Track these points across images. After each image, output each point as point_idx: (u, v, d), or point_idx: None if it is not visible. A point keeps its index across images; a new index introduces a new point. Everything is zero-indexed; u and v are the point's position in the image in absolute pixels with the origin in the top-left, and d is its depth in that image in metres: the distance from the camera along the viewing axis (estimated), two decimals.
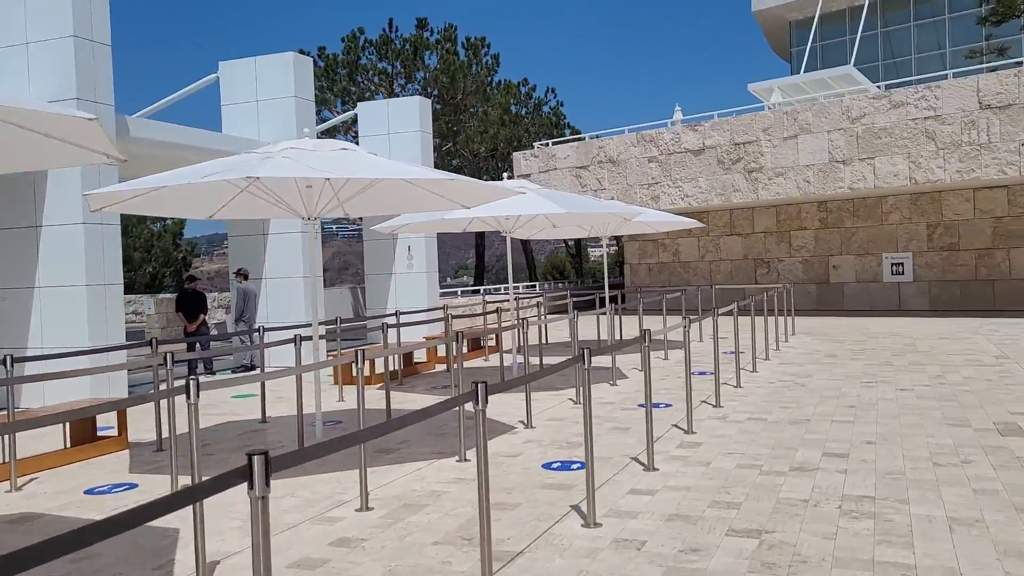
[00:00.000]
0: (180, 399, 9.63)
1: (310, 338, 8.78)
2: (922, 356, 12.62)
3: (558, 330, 21.11)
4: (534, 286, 36.51)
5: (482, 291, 29.96)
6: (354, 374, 9.07)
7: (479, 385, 4.00)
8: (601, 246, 54.78)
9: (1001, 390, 9.31)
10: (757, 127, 22.18)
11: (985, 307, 21.31)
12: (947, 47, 38.99)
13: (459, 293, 28.83)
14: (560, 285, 35.85)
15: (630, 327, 20.04)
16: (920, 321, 19.17)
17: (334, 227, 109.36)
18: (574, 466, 6.51)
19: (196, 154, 12.78)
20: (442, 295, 29.40)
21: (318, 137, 12.86)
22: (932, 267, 22.17)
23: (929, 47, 40.48)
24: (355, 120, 24.70)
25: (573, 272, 49.67)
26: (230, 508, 5.62)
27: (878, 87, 25.16)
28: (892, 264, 22.81)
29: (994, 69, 20.96)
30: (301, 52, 32.05)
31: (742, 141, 22.42)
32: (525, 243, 43.08)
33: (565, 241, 49.11)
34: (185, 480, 6.31)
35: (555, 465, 6.56)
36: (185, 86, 15.53)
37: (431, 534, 4.88)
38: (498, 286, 34.77)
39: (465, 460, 6.84)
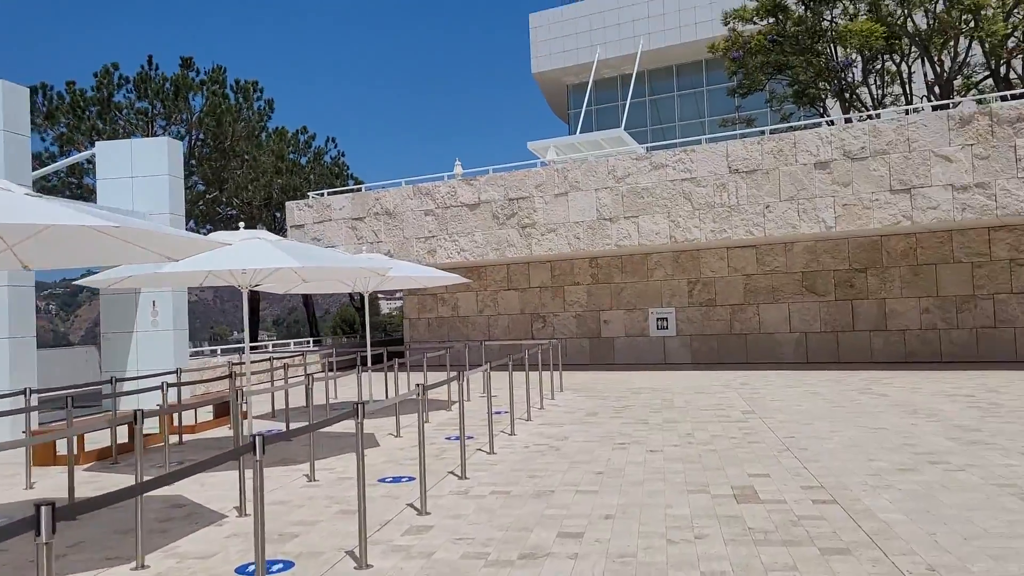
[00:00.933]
0: None
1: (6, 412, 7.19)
2: (677, 413, 12.73)
3: (317, 391, 19.85)
4: (313, 342, 34.88)
5: (246, 349, 27.99)
6: (65, 451, 7.55)
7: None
8: (398, 299, 52.90)
9: (744, 448, 9.35)
10: (530, 183, 22.38)
11: (739, 360, 22.51)
12: (706, 116, 42.22)
13: (219, 352, 26.70)
14: (347, 340, 34.51)
15: (400, 385, 19.20)
16: (682, 375, 19.82)
17: None
18: (275, 567, 5.51)
19: None
20: (195, 355, 27.13)
21: (42, 179, 11.15)
22: (693, 322, 23.20)
23: (691, 115, 43.67)
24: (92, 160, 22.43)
25: (361, 326, 48.25)
26: None
27: (644, 148, 26.39)
28: (657, 319, 23.67)
29: (743, 136, 22.51)
30: (43, 85, 29.12)
31: (516, 197, 22.53)
32: (307, 297, 41.27)
33: (350, 294, 47.72)
34: None
35: (251, 569, 5.53)
36: None
37: None
38: (287, 341, 32.79)
39: (143, 567, 5.64)
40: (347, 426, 12.68)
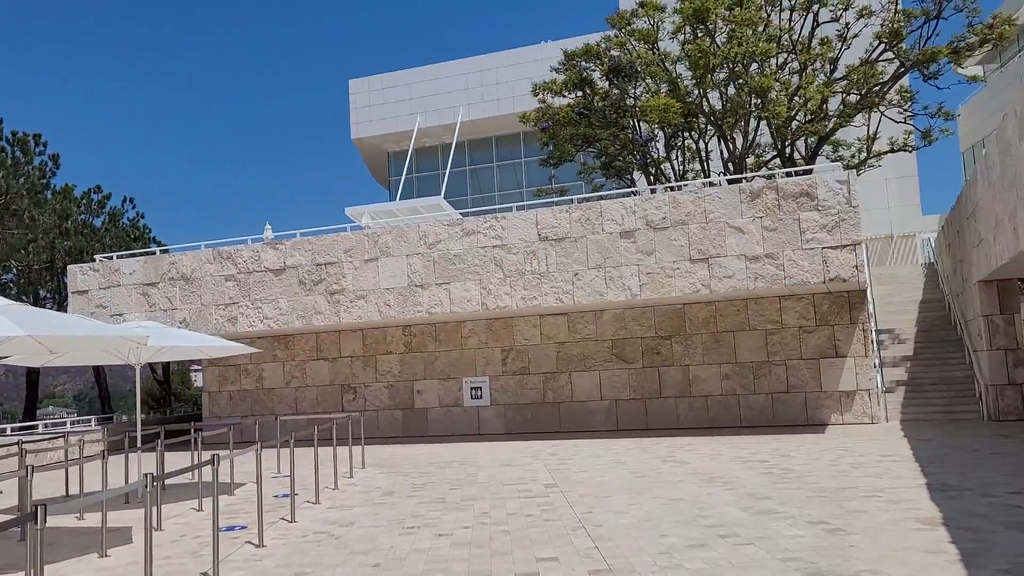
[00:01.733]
0: None
1: None
2: (478, 489, 12.05)
3: (91, 473, 17.67)
4: (109, 418, 31.95)
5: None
6: None
7: None
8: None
9: (538, 528, 8.77)
10: (339, 248, 21.48)
11: (553, 428, 22.29)
12: (523, 186, 43.04)
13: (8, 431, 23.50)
14: (148, 416, 31.77)
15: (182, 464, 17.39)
16: (494, 446, 19.26)
17: None
18: None
19: None
20: None
21: None
22: (507, 391, 22.83)
23: (510, 185, 44.42)
24: None
25: (165, 399, 44.68)
26: None
27: (461, 216, 26.19)
28: (471, 388, 23.12)
29: (554, 204, 22.73)
30: None
31: (324, 262, 21.53)
32: (98, 368, 37.73)
33: (151, 365, 44.22)
34: None
35: None
36: None
37: None
38: (87, 418, 29.49)
39: None
40: (96, 519, 11.05)
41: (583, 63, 24.70)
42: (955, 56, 21.59)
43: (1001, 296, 18.71)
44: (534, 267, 19.76)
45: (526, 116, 26.26)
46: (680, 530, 8.20)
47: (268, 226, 26.35)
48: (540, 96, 25.61)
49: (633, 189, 22.03)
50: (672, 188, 21.59)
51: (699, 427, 20.94)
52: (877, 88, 22.40)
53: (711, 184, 20.88)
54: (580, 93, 25.11)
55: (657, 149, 25.44)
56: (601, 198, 21.65)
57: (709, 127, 24.15)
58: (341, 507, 10.94)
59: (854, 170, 17.78)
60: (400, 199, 40.88)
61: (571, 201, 22.56)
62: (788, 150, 24.19)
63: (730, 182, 21.12)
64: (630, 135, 23.71)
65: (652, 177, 25.17)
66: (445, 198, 36.51)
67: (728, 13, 22.21)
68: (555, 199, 24.99)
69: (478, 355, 23.16)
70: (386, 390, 23.98)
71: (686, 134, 25.50)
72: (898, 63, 22.48)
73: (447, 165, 43.42)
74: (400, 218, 29.89)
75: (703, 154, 24.63)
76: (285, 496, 12.17)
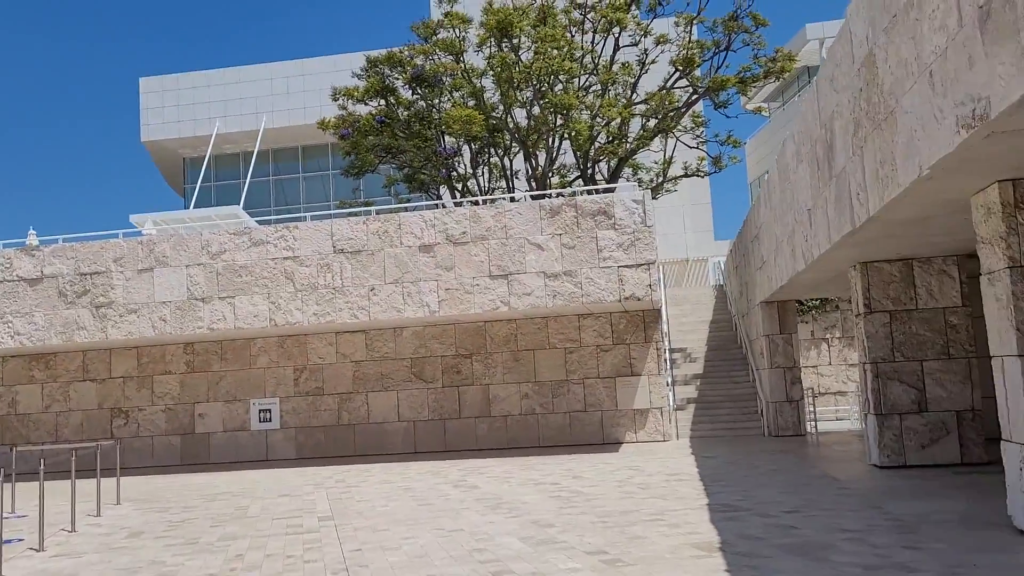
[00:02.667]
0: None
1: None
2: (243, 525, 10.77)
3: None
4: None
5: None
6: None
7: None
8: None
9: (295, 572, 7.72)
10: (108, 256, 19.31)
11: (348, 452, 21.09)
12: (331, 199, 41.42)
13: None
14: None
15: None
16: (280, 473, 17.84)
17: None
18: None
19: None
20: None
21: None
22: (299, 413, 21.38)
23: (318, 198, 42.66)
24: None
25: None
26: None
27: (249, 225, 24.48)
28: (260, 411, 21.48)
29: (350, 215, 21.67)
30: None
31: (90, 271, 19.27)
32: None
33: None
34: None
35: None
36: None
37: None
38: None
39: None
40: None
41: (386, 70, 23.86)
42: (742, 86, 22.72)
43: (781, 316, 19.62)
44: (328, 281, 18.60)
45: (325, 123, 25.02)
46: (451, 568, 7.44)
47: (32, 232, 23.46)
48: (341, 102, 24.48)
49: (438, 202, 21.39)
50: (473, 202, 21.12)
51: (498, 447, 20.48)
52: (672, 113, 23.14)
53: (512, 200, 20.63)
54: (383, 101, 24.25)
55: (463, 164, 24.99)
56: (400, 210, 20.84)
57: (514, 144, 24.00)
58: (69, 554, 9.33)
59: (649, 190, 18.00)
60: (195, 208, 38.20)
61: (369, 212, 21.59)
62: (590, 171, 24.49)
63: (534, 198, 20.95)
64: (434, 147, 23.09)
65: (458, 193, 24.69)
66: (246, 209, 34.38)
67: (533, 30, 22.19)
68: (351, 210, 23.92)
69: (268, 375, 21.56)
70: (163, 414, 21.81)
71: (491, 150, 25.24)
72: (691, 90, 23.33)
73: (248, 174, 41.08)
74: (190, 225, 27.70)
75: (508, 172, 24.44)
76: (8, 543, 10.33)
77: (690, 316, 26.80)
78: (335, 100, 24.57)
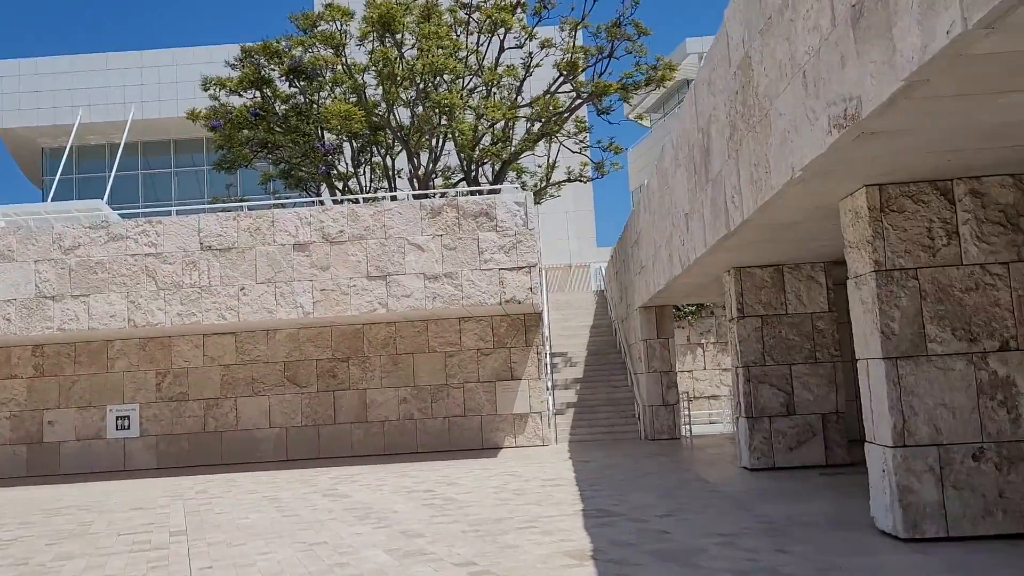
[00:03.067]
0: None
1: None
2: (83, 543, 9.84)
3: None
4: None
5: None
6: None
7: None
8: None
9: None
10: None
11: (214, 461, 19.96)
12: (207, 196, 39.55)
13: None
14: None
15: None
16: (137, 484, 16.68)
17: None
18: None
19: None
20: None
21: None
22: (160, 419, 20.09)
23: (191, 194, 40.69)
24: None
25: None
26: None
27: (108, 219, 22.95)
28: (117, 417, 20.06)
29: (221, 211, 20.57)
30: None
31: None
32: None
33: None
34: None
35: None
36: None
37: None
38: None
39: None
40: None
41: (262, 60, 22.84)
42: (624, 92, 22.97)
43: (659, 321, 19.83)
44: (194, 280, 17.55)
45: (195, 113, 23.73)
46: None
47: None
48: (212, 92, 23.28)
49: (315, 199, 20.55)
50: (352, 201, 20.47)
51: (375, 454, 19.84)
52: (556, 117, 23.14)
53: (393, 199, 20.08)
54: (258, 93, 23.21)
55: (345, 163, 24.21)
56: (275, 207, 19.94)
57: (396, 143, 23.43)
58: None
59: (531, 192, 17.85)
60: (54, 201, 35.73)
61: (240, 208, 20.59)
62: (474, 173, 24.20)
63: (416, 197, 20.45)
64: (313, 143, 22.23)
65: (339, 192, 23.89)
66: (111, 204, 32.33)
67: (417, 27, 21.73)
68: (223, 206, 22.76)
69: (127, 379, 20.18)
70: (7, 421, 20.07)
71: (374, 149, 24.59)
72: (575, 95, 23.40)
73: (114, 167, 38.75)
74: (43, 218, 25.77)
75: (391, 171, 23.84)
76: None
77: (572, 321, 26.89)
78: (206, 90, 23.35)
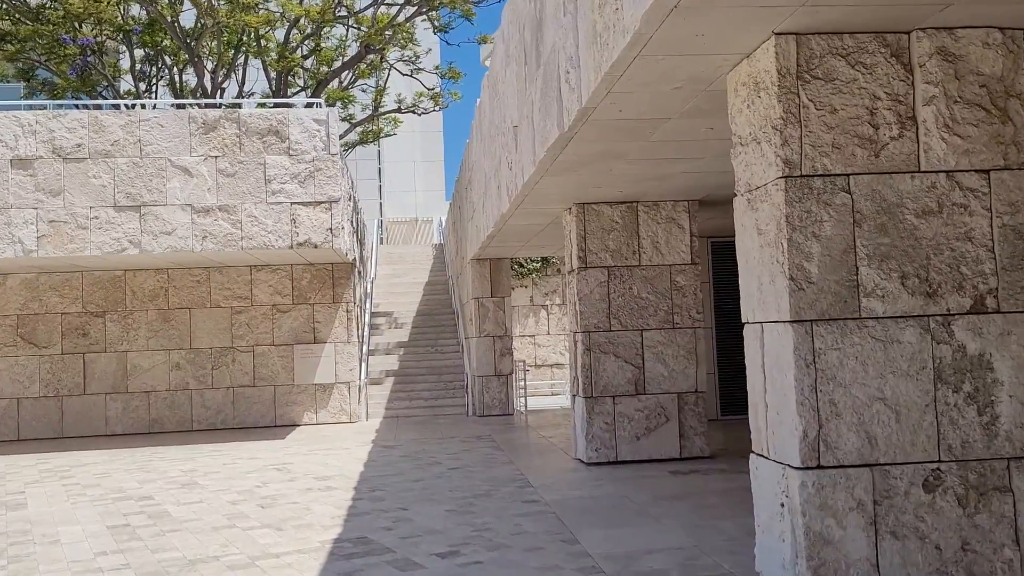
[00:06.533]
0: None
1: None
2: None
3: None
4: None
5: None
6: None
7: None
8: None
9: None
10: None
11: None
12: None
13: None
14: None
15: None
16: None
17: None
18: None
19: None
20: None
21: None
22: None
23: None
24: None
25: None
26: None
27: None
28: None
29: None
30: None
31: None
32: None
33: None
34: None
35: None
36: None
37: None
38: None
39: None
40: None
41: None
42: (464, 4, 19.46)
43: (493, 277, 16.79)
44: None
45: None
46: None
47: None
48: None
49: (45, 102, 15.89)
50: (96, 106, 16.15)
51: (136, 432, 15.87)
52: (380, 30, 19.32)
53: (153, 106, 15.90)
54: None
55: (115, 68, 19.56)
56: None
57: (183, 53, 19.01)
58: None
59: (334, 107, 14.25)
60: None
61: None
62: (287, 96, 20.19)
63: (178, 107, 16.33)
64: (58, 35, 17.52)
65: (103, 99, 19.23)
66: None
67: None
68: None
69: None
70: None
71: (164, 61, 20.07)
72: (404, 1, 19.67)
73: None
74: None
75: (176, 85, 19.43)
76: None
77: (404, 277, 23.52)
78: None
